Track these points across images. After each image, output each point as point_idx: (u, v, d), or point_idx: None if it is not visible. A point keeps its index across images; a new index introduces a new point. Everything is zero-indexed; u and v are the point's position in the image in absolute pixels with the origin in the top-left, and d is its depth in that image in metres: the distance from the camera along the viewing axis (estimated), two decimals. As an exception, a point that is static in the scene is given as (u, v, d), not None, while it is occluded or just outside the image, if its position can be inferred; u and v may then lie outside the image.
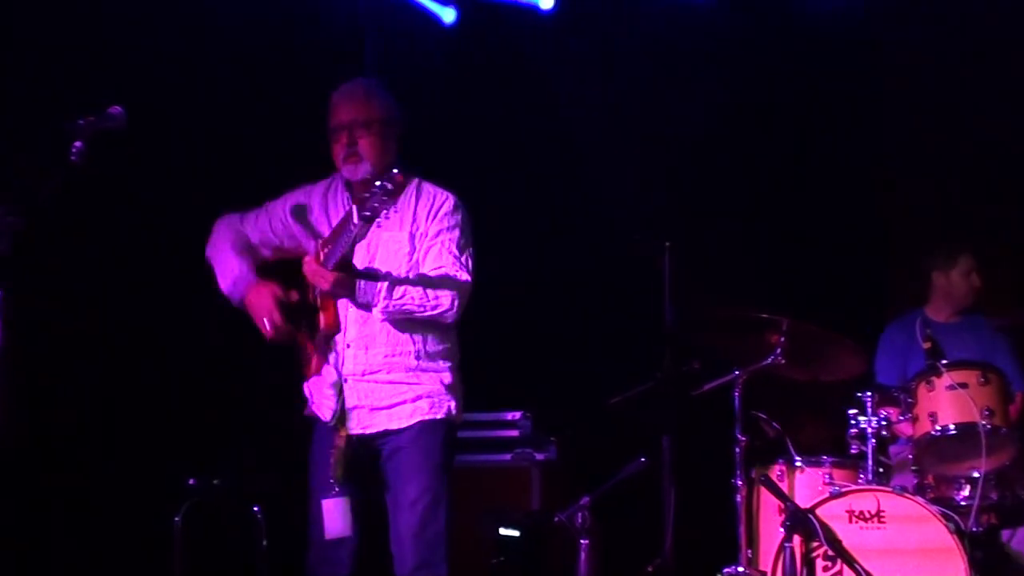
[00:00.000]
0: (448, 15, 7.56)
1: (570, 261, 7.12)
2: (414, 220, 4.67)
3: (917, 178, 7.60)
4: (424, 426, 4.56)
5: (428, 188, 4.75)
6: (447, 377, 4.65)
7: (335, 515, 4.49)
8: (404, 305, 4.49)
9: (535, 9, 7.53)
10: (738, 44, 7.50)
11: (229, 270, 4.72)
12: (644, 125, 7.52)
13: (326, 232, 4.70)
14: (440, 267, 4.58)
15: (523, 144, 7.48)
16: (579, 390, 6.89)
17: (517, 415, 6.50)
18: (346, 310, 4.59)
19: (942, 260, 6.54)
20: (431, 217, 4.67)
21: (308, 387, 4.76)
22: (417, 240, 4.64)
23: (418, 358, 4.58)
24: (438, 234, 4.64)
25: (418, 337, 4.59)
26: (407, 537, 4.51)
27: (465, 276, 4.61)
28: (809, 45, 7.50)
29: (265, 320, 4.59)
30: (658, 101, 7.51)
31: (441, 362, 4.65)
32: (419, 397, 4.57)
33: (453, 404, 4.65)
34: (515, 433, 6.50)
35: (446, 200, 4.71)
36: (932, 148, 7.57)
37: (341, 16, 6.99)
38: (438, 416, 4.59)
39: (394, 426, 4.56)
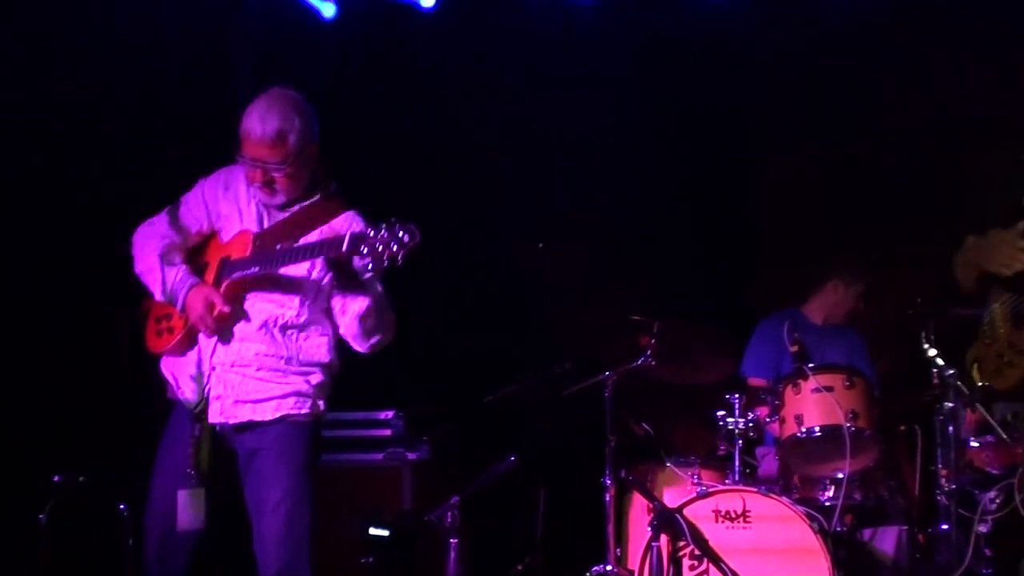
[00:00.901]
0: (328, 9, 7.50)
1: (446, 260, 7.09)
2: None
3: (787, 189, 7.69)
4: (289, 425, 4.42)
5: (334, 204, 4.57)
6: (317, 377, 4.51)
7: (191, 507, 4.32)
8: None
9: (416, 7, 7.50)
10: (623, 46, 7.54)
11: (163, 279, 4.49)
12: (524, 126, 7.53)
13: (234, 219, 4.54)
14: None
15: (402, 143, 7.44)
16: (452, 389, 6.88)
17: (390, 414, 6.47)
18: None
19: (847, 273, 6.68)
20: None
21: (168, 369, 4.55)
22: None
23: (289, 360, 4.44)
24: None
25: (296, 338, 4.46)
26: (271, 541, 4.37)
27: None
28: (689, 49, 7.57)
29: (206, 318, 4.38)
30: (541, 102, 7.53)
31: (314, 363, 4.50)
32: (287, 395, 4.43)
33: (321, 403, 4.52)
34: (387, 432, 6.46)
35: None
36: (798, 161, 7.68)
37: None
38: (303, 412, 4.45)
39: (258, 418, 4.40)
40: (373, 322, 4.38)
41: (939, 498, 5.62)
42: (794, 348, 5.70)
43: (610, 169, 7.59)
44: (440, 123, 7.56)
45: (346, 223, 4.42)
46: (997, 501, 5.73)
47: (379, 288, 4.39)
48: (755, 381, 6.31)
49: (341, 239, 4.11)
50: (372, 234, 3.97)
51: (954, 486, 5.54)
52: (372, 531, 5.68)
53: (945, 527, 5.58)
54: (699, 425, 6.38)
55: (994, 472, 5.88)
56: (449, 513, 5.37)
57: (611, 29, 7.52)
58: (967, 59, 7.17)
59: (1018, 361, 3.77)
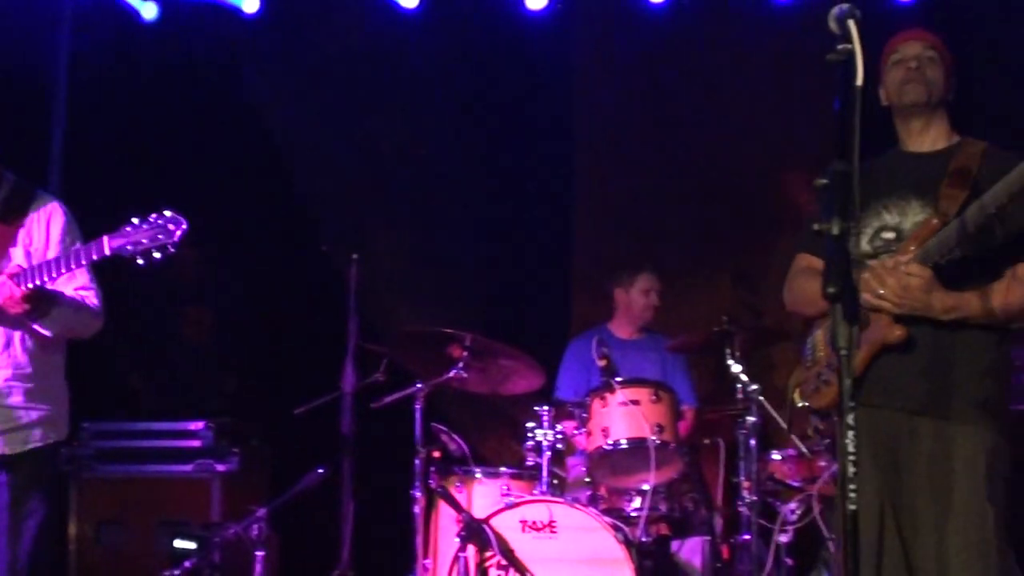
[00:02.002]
0: (148, 11, 7.39)
1: (258, 270, 7.04)
2: (28, 235, 4.35)
3: (600, 202, 7.81)
4: (36, 455, 4.28)
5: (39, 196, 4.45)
6: (61, 397, 4.40)
7: None
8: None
9: (238, 12, 7.43)
10: (443, 51, 7.57)
11: None
12: (345, 133, 7.51)
13: None
14: (82, 287, 4.35)
15: (220, 146, 7.35)
16: (263, 400, 6.82)
17: (199, 425, 6.38)
18: None
19: (624, 277, 6.77)
20: (44, 229, 4.38)
21: None
22: (34, 257, 4.30)
23: (34, 380, 4.28)
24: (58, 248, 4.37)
25: (38, 359, 4.30)
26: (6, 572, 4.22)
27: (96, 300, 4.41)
28: (510, 55, 7.63)
29: None
30: (360, 109, 7.52)
31: (54, 383, 4.38)
32: (34, 422, 4.28)
33: (64, 427, 4.41)
34: (197, 443, 6.38)
35: (53, 210, 4.42)
36: (611, 174, 7.80)
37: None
38: (49, 441, 4.32)
39: (7, 451, 4.22)
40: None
41: (741, 509, 5.77)
42: (602, 362, 5.77)
43: (427, 179, 7.61)
44: (259, 128, 7.49)
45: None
46: (797, 512, 5.89)
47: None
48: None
49: (101, 243, 4.11)
50: (137, 228, 4.02)
51: (755, 498, 5.69)
52: (177, 544, 5.60)
53: (747, 537, 5.72)
54: (509, 436, 6.45)
55: (794, 484, 6.05)
56: (256, 525, 5.33)
57: (431, 37, 7.54)
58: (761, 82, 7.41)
59: (834, 379, 3.88)
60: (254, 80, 7.58)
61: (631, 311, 6.77)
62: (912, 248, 3.71)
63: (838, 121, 2.86)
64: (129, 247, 4.09)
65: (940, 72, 3.94)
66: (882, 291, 3.70)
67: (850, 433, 2.62)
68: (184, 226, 4.10)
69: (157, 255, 4.09)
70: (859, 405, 3.66)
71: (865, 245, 3.90)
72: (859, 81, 2.87)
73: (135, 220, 4.14)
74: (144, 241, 4.06)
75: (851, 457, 2.63)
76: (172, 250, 4.10)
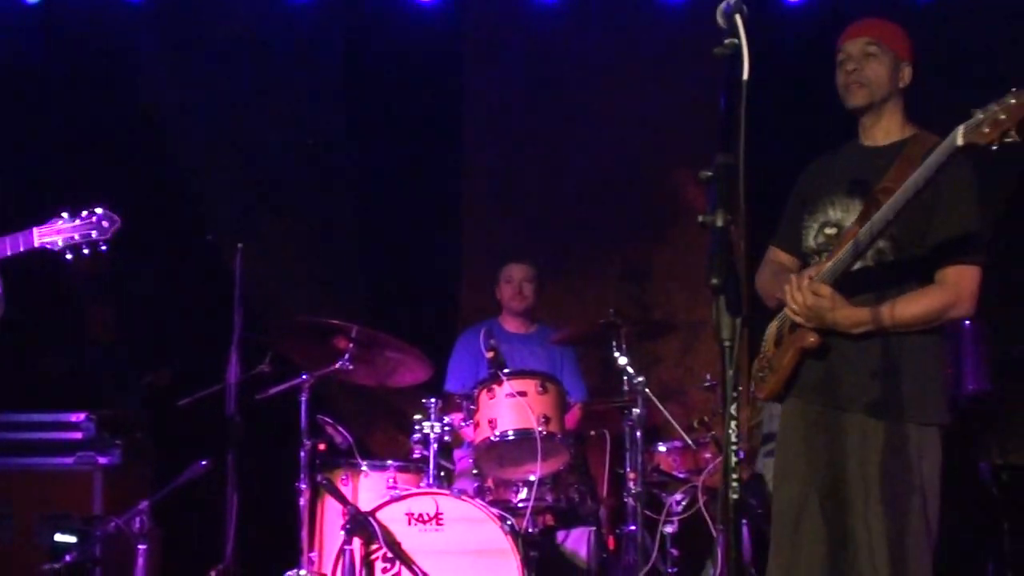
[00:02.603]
0: (32, -7, 7.26)
1: (142, 258, 6.91)
2: None
3: (489, 194, 7.81)
4: None
5: None
6: None
7: None
8: None
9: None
10: (331, 42, 7.52)
11: None
12: (231, 122, 7.43)
13: None
14: None
15: (102, 134, 7.22)
16: (145, 392, 6.72)
17: (81, 416, 6.26)
18: None
19: (502, 271, 6.80)
20: None
21: None
22: None
23: None
24: None
25: None
26: None
27: None
28: (399, 47, 7.60)
29: None
30: (246, 98, 7.44)
31: None
32: None
33: None
34: (78, 435, 6.26)
35: None
36: (500, 167, 7.81)
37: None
38: None
39: None
40: None
41: (627, 500, 5.82)
42: (490, 354, 5.76)
43: (313, 172, 7.55)
44: (144, 115, 7.38)
45: None
46: (683, 503, 5.96)
47: None
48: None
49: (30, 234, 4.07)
50: (68, 222, 3.99)
51: (641, 489, 5.74)
52: (58, 537, 5.50)
53: (632, 528, 5.77)
54: (396, 429, 6.43)
55: (680, 475, 6.12)
56: (138, 518, 5.26)
57: (319, 27, 7.50)
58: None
59: (771, 377, 4.04)
60: (140, 67, 7.45)
61: (511, 303, 6.79)
62: (827, 262, 3.81)
63: (723, 115, 2.88)
64: (60, 241, 4.05)
65: (883, 67, 3.95)
66: (795, 307, 3.84)
67: (732, 423, 2.64)
68: (118, 223, 4.10)
69: (86, 251, 4.05)
70: (795, 400, 3.98)
71: (810, 241, 4.02)
72: (745, 75, 2.89)
73: (65, 215, 4.09)
74: (75, 236, 4.04)
75: (733, 447, 2.65)
76: (104, 248, 4.07)
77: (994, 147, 3.28)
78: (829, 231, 3.96)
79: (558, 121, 7.73)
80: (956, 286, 3.81)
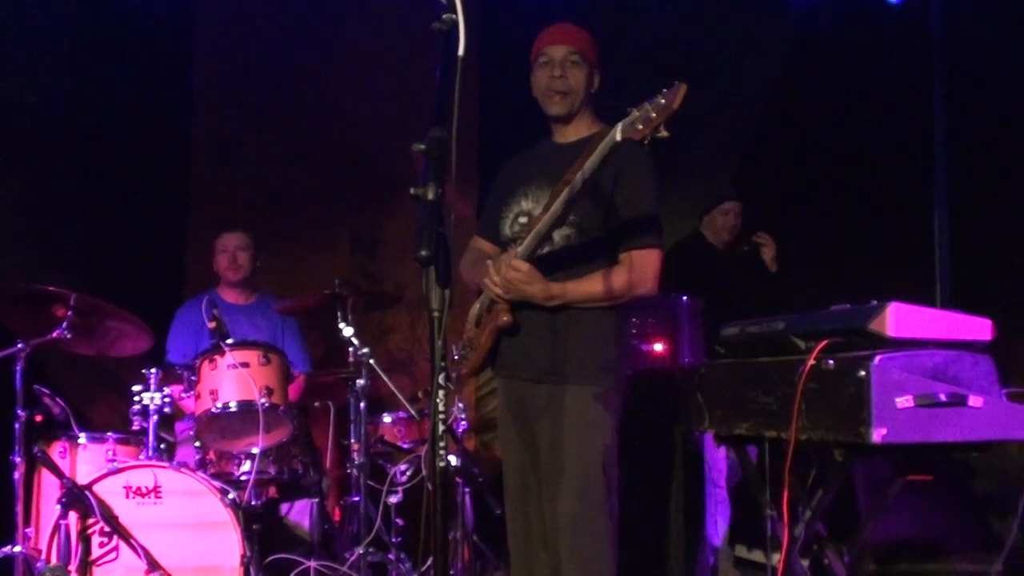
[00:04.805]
0: None
1: None
2: None
3: (219, 159, 7.69)
4: None
5: None
6: None
7: None
8: None
9: None
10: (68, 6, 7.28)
11: None
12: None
13: None
14: None
15: None
16: None
17: None
18: None
19: (216, 241, 6.76)
20: None
21: None
22: None
23: None
24: None
25: None
26: None
27: None
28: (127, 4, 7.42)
29: None
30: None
31: None
32: None
33: None
34: None
35: None
36: (231, 131, 7.70)
37: None
38: None
39: None
40: None
41: (351, 471, 5.85)
42: (212, 324, 5.68)
43: (38, 126, 7.27)
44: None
45: None
46: (407, 473, 6.02)
47: None
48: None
49: None
50: None
51: (364, 460, 5.77)
52: None
53: (356, 499, 5.80)
54: (117, 400, 6.28)
55: (404, 446, 6.19)
56: None
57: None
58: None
59: (472, 354, 4.39)
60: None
61: (220, 272, 6.74)
62: (526, 240, 4.12)
63: (438, 89, 2.93)
64: None
65: (583, 75, 4.31)
66: (496, 281, 4.18)
67: (440, 393, 2.70)
68: None
69: None
70: (500, 375, 4.41)
71: (507, 230, 4.39)
72: (461, 51, 2.95)
73: None
74: None
75: (440, 416, 2.71)
76: None
77: (646, 141, 3.65)
78: (522, 220, 4.33)
79: (289, 90, 7.68)
80: (638, 267, 4.18)
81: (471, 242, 4.63)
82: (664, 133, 3.60)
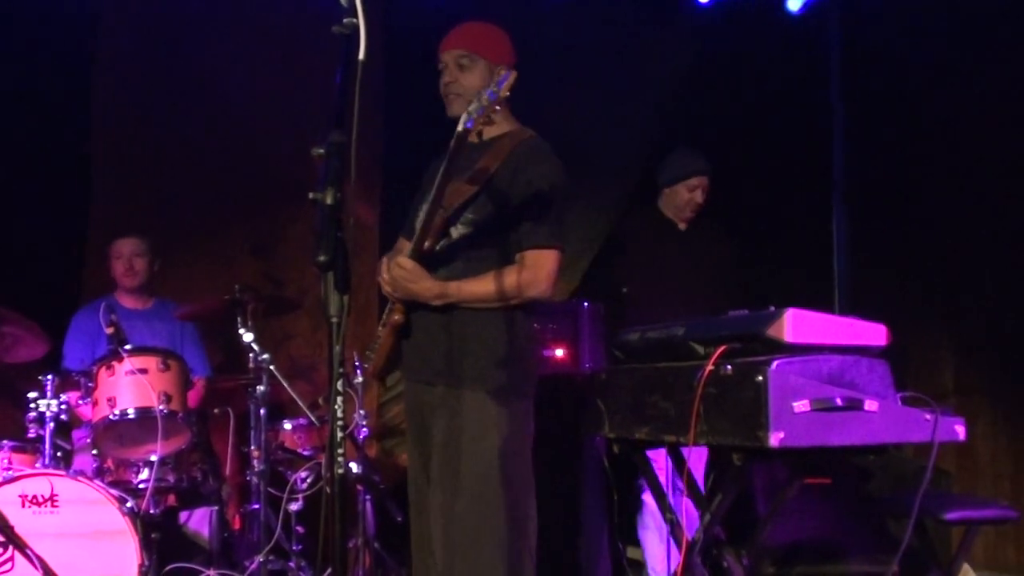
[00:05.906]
0: None
1: None
2: None
3: (119, 163, 7.57)
4: None
5: None
6: None
7: None
8: None
9: None
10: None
11: None
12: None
13: None
14: None
15: None
16: None
17: None
18: None
19: (111, 247, 6.74)
20: None
21: None
22: None
23: None
24: None
25: None
26: None
27: None
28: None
29: None
30: None
31: None
32: None
33: None
34: None
35: None
36: (131, 135, 7.60)
37: None
38: None
39: None
40: None
41: (251, 478, 5.80)
42: (110, 330, 5.62)
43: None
44: None
45: None
46: (307, 480, 5.98)
47: None
48: (78, 375, 6.17)
49: None
50: None
51: (264, 467, 5.73)
52: None
53: (256, 506, 5.76)
54: (12, 407, 6.16)
55: (305, 453, 6.15)
56: None
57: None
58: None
59: (374, 355, 4.35)
60: None
61: (116, 279, 6.67)
62: (415, 237, 4.10)
63: (339, 93, 2.92)
64: None
65: (476, 76, 4.25)
66: (385, 278, 4.15)
67: (339, 399, 2.68)
68: None
69: None
70: (404, 379, 4.35)
71: (416, 226, 4.23)
72: (361, 55, 2.95)
73: None
74: None
75: (339, 422, 2.69)
76: None
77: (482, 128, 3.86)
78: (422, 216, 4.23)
79: (191, 92, 7.57)
80: (533, 267, 4.13)
81: (396, 244, 4.55)
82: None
